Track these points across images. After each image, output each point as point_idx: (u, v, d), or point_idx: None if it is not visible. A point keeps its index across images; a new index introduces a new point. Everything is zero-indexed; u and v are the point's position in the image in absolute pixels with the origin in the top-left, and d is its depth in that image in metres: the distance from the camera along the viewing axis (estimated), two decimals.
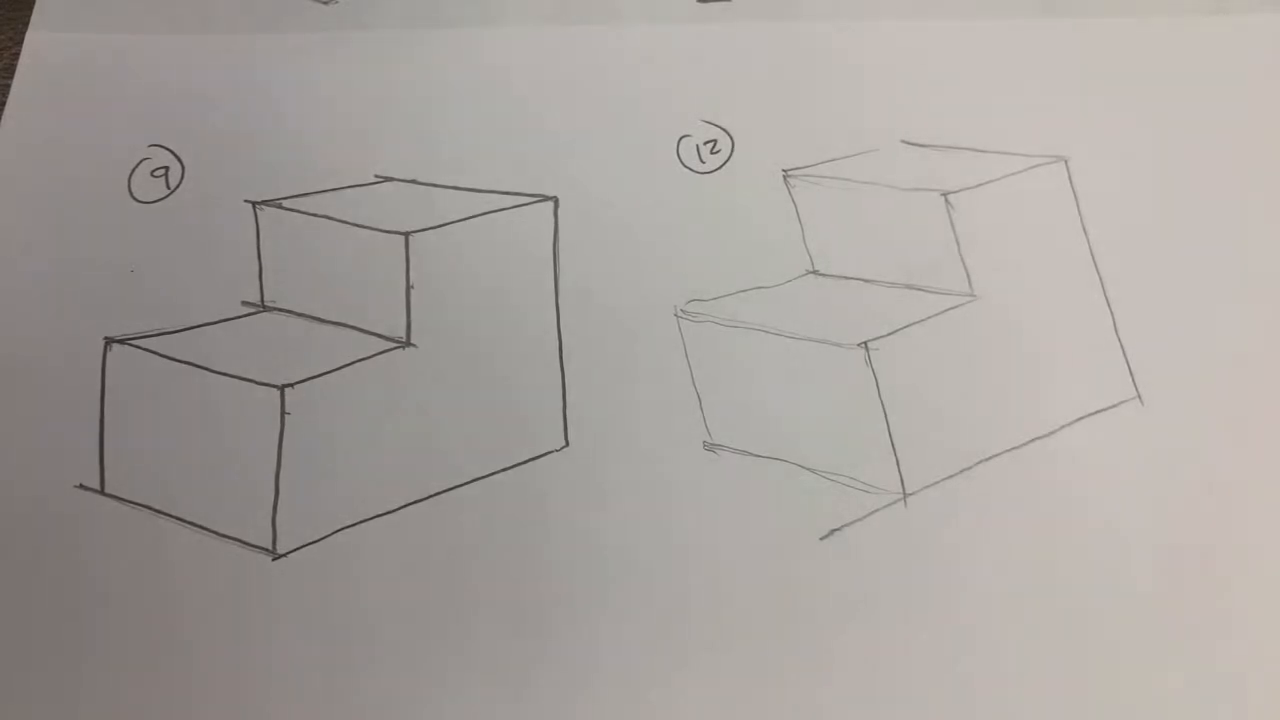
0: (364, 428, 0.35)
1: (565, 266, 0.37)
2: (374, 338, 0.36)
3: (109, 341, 0.36)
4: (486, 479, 0.34)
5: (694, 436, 0.35)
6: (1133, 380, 0.35)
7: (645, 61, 0.40)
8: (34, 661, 0.32)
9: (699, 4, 0.41)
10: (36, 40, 0.41)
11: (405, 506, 0.34)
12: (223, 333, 0.36)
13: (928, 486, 0.34)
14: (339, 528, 0.33)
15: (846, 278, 0.37)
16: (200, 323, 0.36)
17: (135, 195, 0.38)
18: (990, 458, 0.34)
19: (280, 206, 0.38)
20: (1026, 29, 0.40)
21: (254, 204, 0.38)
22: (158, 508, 0.34)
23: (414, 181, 0.38)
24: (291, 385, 0.34)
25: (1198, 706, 0.31)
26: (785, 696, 0.31)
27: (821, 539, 0.33)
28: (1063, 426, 0.34)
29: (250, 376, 0.34)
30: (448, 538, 0.33)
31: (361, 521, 0.34)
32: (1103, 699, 0.31)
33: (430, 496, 0.34)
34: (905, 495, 0.34)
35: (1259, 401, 0.35)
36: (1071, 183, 0.38)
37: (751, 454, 0.34)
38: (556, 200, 0.38)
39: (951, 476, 0.34)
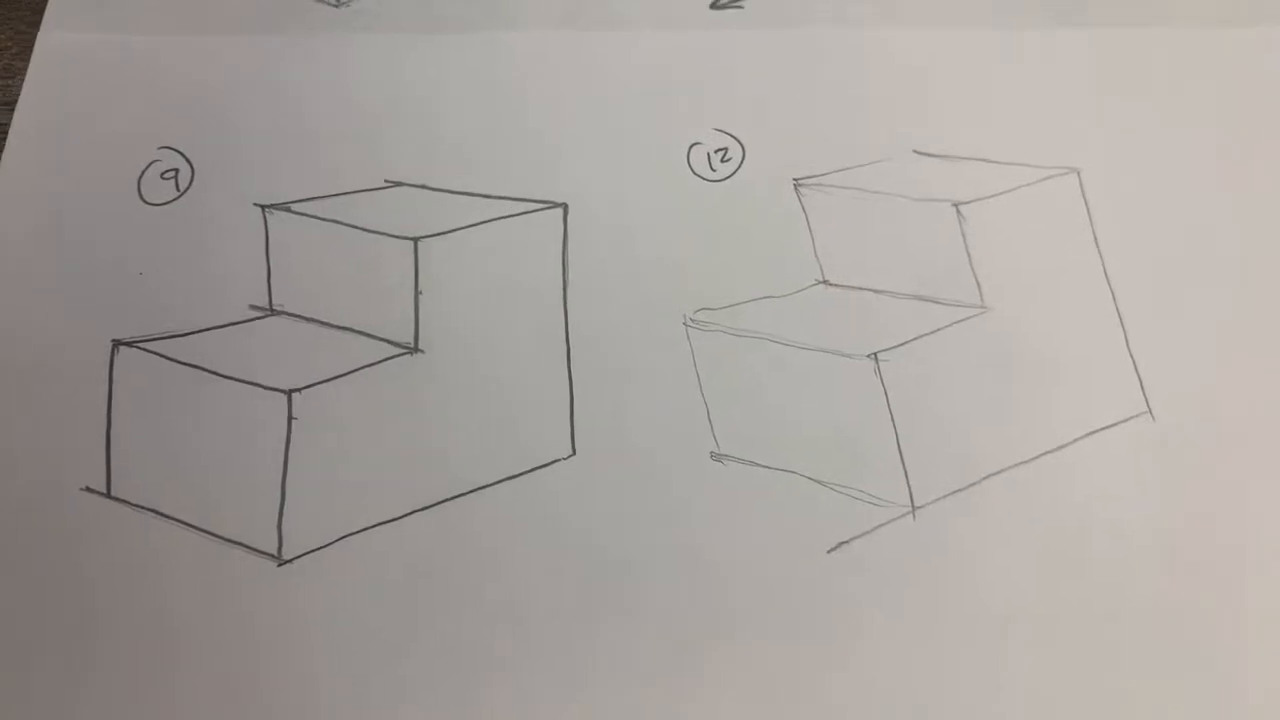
0: (371, 434, 0.35)
1: (574, 273, 0.37)
2: (382, 343, 0.36)
3: (117, 344, 0.36)
4: (493, 487, 0.34)
5: (702, 446, 0.34)
6: (1144, 395, 0.35)
7: (656, 69, 0.40)
8: (39, 665, 0.32)
9: (711, 11, 0.41)
10: (47, 41, 0.41)
11: (411, 514, 0.34)
12: (230, 336, 0.36)
13: (937, 500, 0.34)
14: (345, 534, 0.33)
15: (857, 288, 0.37)
16: (208, 326, 0.36)
17: (144, 197, 0.38)
18: (1000, 471, 0.34)
19: (289, 210, 0.38)
20: (1039, 40, 0.40)
21: (263, 207, 0.38)
22: (164, 511, 0.34)
23: (423, 186, 0.38)
24: (299, 390, 0.34)
25: None
26: (792, 708, 0.31)
27: (829, 551, 0.33)
28: (1073, 440, 0.34)
29: (257, 381, 0.34)
30: (454, 545, 0.33)
31: (368, 528, 0.33)
32: (1111, 713, 0.31)
33: (437, 504, 0.34)
34: (914, 508, 0.34)
35: (1270, 417, 0.34)
36: (1084, 194, 0.38)
37: (759, 465, 0.34)
38: (566, 207, 0.38)
39: (961, 490, 0.34)
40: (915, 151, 0.39)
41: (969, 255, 0.37)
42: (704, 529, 0.33)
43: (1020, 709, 0.31)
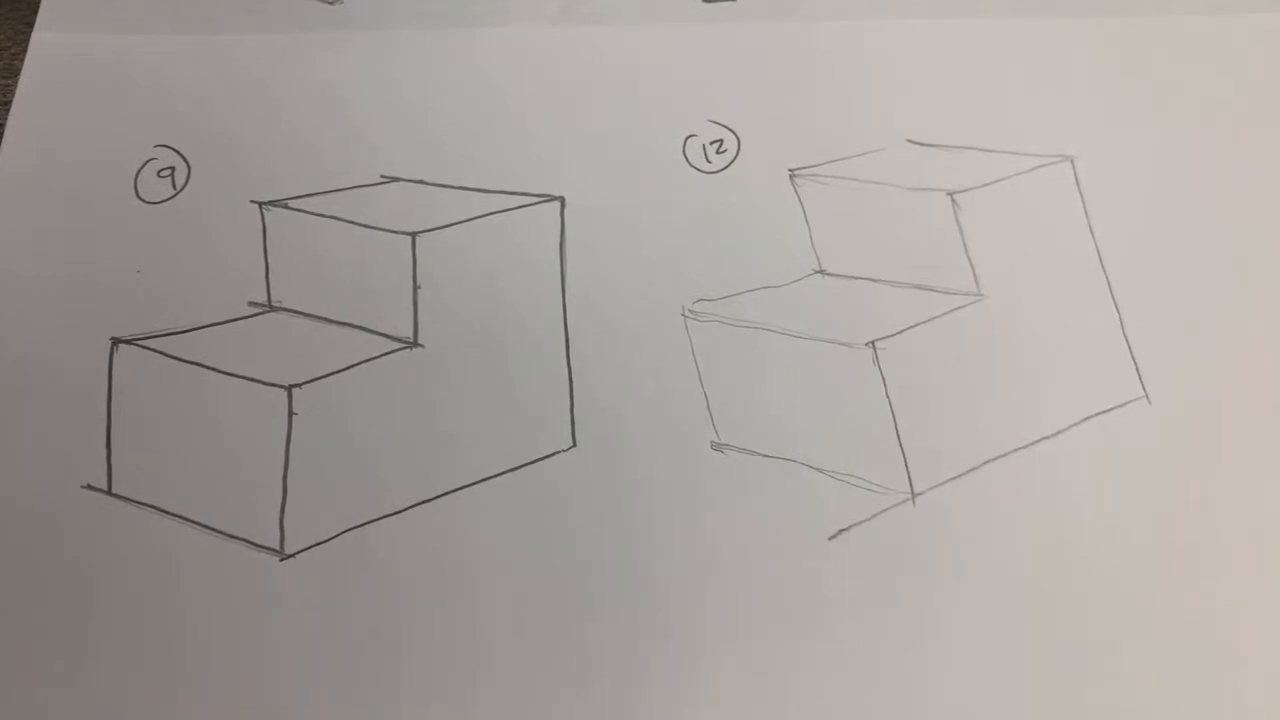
0: (371, 428, 0.35)
1: (571, 267, 0.37)
2: (381, 338, 0.36)
3: (116, 342, 0.36)
4: (494, 479, 0.34)
5: (701, 436, 0.35)
6: (1140, 379, 0.35)
7: (651, 61, 0.40)
8: (40, 662, 0.32)
9: (704, 4, 0.41)
10: (42, 41, 0.41)
11: (413, 507, 0.34)
12: (230, 333, 0.36)
13: (935, 486, 0.34)
14: (347, 528, 0.33)
15: (853, 277, 0.37)
16: (207, 323, 0.36)
17: (141, 196, 0.38)
18: (998, 457, 0.34)
19: (286, 207, 0.38)
20: (1032, 28, 0.40)
21: (260, 204, 0.38)
22: (165, 508, 0.34)
23: (420, 182, 0.38)
24: (299, 385, 0.34)
25: (1204, 707, 0.31)
26: (792, 696, 0.31)
27: (829, 539, 0.33)
28: (1070, 426, 0.34)
29: (257, 377, 0.34)
30: (455, 538, 0.33)
31: (369, 522, 0.34)
32: (1110, 699, 0.31)
33: (438, 497, 0.34)
34: (913, 495, 0.34)
35: (1266, 400, 0.35)
36: (1078, 182, 0.38)
37: (759, 454, 0.34)
38: (563, 200, 0.38)
39: (959, 476, 0.34)
40: (910, 141, 0.39)
41: (964, 243, 0.37)
42: (704, 518, 0.33)
43: (1018, 695, 0.31)
